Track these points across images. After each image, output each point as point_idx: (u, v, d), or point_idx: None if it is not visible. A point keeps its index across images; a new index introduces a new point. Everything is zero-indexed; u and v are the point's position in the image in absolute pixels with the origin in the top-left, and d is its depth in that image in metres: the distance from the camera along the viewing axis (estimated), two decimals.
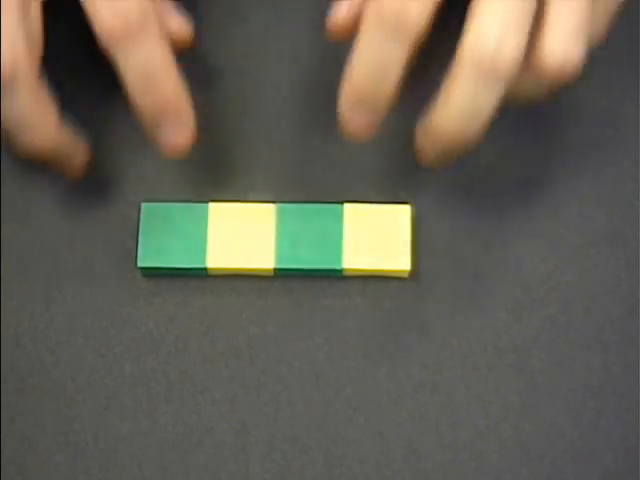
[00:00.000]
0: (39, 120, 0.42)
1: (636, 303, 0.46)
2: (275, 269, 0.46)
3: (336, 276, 0.47)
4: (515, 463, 0.45)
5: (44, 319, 0.47)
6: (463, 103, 0.40)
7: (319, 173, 0.48)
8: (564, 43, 0.40)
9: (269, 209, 0.46)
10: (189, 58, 0.50)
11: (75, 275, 0.47)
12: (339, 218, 0.46)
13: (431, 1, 0.40)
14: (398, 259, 0.46)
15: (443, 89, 0.41)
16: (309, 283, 0.47)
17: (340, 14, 0.44)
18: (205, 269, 0.46)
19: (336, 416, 0.45)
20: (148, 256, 0.46)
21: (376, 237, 0.46)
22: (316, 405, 0.45)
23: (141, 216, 0.47)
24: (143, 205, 0.47)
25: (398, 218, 0.46)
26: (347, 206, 0.47)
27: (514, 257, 0.47)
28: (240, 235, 0.46)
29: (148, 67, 0.41)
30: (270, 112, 0.49)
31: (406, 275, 0.46)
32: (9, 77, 0.40)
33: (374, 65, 0.41)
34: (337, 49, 0.50)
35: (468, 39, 0.39)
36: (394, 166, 0.48)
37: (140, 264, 0.46)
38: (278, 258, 0.46)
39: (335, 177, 0.48)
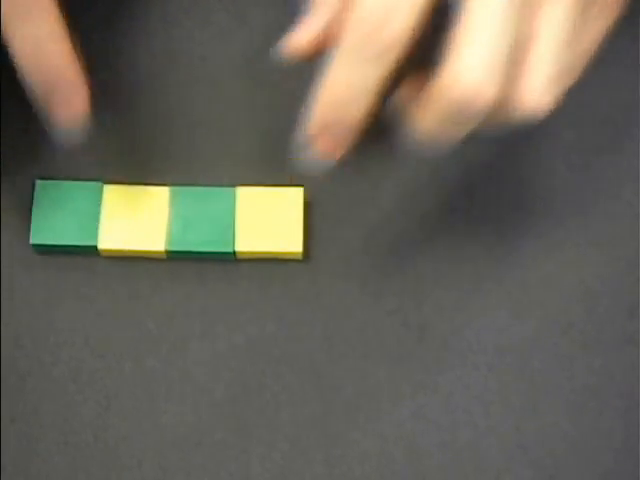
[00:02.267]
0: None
1: (636, 303, 0.46)
2: (167, 251, 0.46)
3: (229, 259, 0.47)
4: (515, 463, 0.45)
5: (44, 319, 0.47)
6: (434, 129, 0.40)
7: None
8: (541, 89, 0.39)
9: (163, 192, 0.47)
10: (189, 58, 0.50)
11: None
12: (232, 201, 0.47)
13: (415, 12, 0.38)
14: (290, 241, 0.46)
15: (419, 105, 0.40)
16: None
17: (301, 36, 0.42)
18: (96, 248, 0.46)
19: (336, 416, 0.45)
20: (40, 233, 0.46)
21: (269, 220, 0.46)
22: (316, 405, 0.45)
23: (35, 193, 0.47)
24: (37, 182, 0.47)
25: (291, 201, 0.47)
26: (240, 189, 0.47)
27: (514, 257, 0.47)
28: (133, 217, 0.46)
29: (35, 42, 0.41)
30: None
31: (300, 257, 0.47)
32: None
33: (345, 89, 0.40)
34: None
35: (444, 79, 0.38)
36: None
37: (31, 241, 0.46)
38: (170, 241, 0.46)
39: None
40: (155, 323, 0.46)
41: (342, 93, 0.40)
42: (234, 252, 0.46)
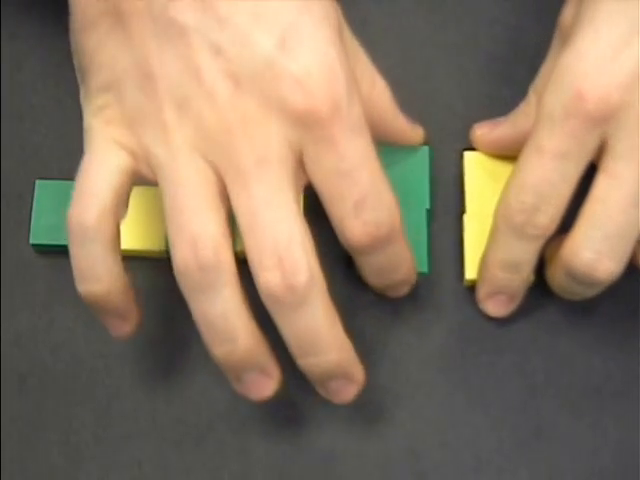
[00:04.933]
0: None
1: (636, 303, 0.46)
2: (167, 251, 0.46)
3: None
4: (515, 463, 0.45)
5: (44, 319, 0.47)
6: (561, 290, 0.45)
7: None
8: None
9: None
10: None
11: None
12: None
13: (559, 206, 0.41)
14: None
15: (547, 272, 0.45)
16: None
17: (480, 134, 0.47)
18: None
19: (336, 416, 0.45)
20: (40, 233, 0.46)
21: None
22: (316, 405, 0.45)
23: (35, 193, 0.47)
24: (37, 182, 0.47)
25: None
26: None
27: None
28: (133, 217, 0.46)
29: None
30: None
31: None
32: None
33: (506, 262, 0.43)
34: None
35: (566, 249, 0.42)
36: None
37: (32, 241, 0.46)
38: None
39: None
40: (155, 323, 0.46)
41: (503, 266, 0.44)
42: (235, 252, 0.46)
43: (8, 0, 0.51)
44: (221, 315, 0.39)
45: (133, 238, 0.46)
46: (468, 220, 0.46)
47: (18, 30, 0.51)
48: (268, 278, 0.39)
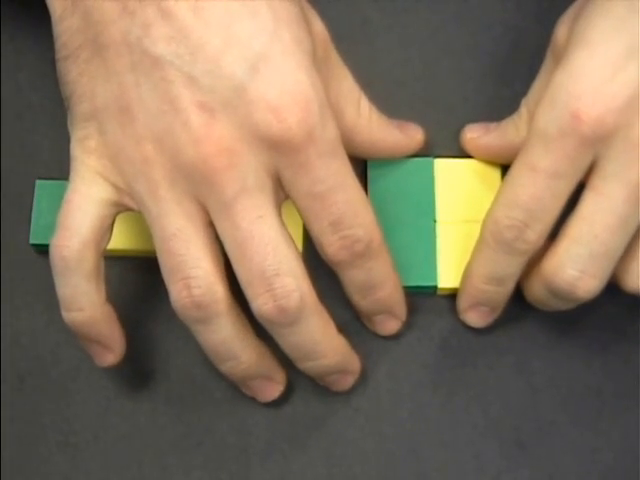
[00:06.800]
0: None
1: (636, 303, 0.46)
2: None
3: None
4: (515, 463, 0.45)
5: (44, 319, 0.47)
6: (536, 301, 0.44)
7: None
8: None
9: None
10: None
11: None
12: None
13: (549, 223, 0.41)
14: None
15: (524, 283, 0.44)
16: None
17: (470, 137, 0.47)
18: None
19: (336, 416, 0.45)
20: (40, 233, 0.47)
21: None
22: (316, 405, 0.45)
23: (35, 193, 0.47)
24: (37, 182, 0.47)
25: (291, 201, 0.46)
26: None
27: None
28: (133, 216, 0.46)
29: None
30: None
31: None
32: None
33: (492, 276, 0.43)
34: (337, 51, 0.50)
35: (549, 265, 0.42)
36: None
37: (32, 241, 0.46)
38: None
39: None
40: (155, 323, 0.46)
41: (487, 279, 0.43)
42: None
43: (8, 0, 0.51)
44: (221, 341, 0.41)
45: (132, 238, 0.46)
46: (440, 227, 0.46)
47: (18, 30, 0.51)
48: (260, 304, 0.40)
